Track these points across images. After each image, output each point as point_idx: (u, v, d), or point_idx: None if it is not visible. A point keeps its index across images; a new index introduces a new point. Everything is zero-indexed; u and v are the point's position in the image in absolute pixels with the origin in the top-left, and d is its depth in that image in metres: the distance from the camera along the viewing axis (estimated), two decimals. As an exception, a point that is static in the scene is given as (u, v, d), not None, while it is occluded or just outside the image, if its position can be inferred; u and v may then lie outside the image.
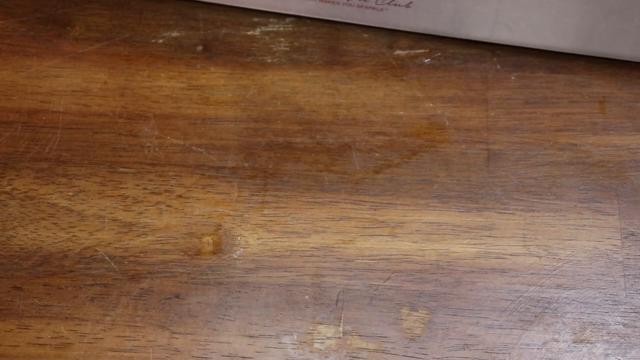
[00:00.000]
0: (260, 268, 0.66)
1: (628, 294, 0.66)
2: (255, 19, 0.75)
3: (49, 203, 0.68)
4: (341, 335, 0.65)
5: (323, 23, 0.74)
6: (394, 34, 0.74)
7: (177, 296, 0.65)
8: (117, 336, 0.64)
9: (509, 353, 0.64)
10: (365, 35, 0.74)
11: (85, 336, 0.64)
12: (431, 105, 0.71)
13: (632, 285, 0.66)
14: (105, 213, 0.68)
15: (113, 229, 0.67)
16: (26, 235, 0.67)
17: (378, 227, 0.68)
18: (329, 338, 0.65)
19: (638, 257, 0.67)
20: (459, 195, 0.69)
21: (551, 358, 0.64)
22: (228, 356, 0.64)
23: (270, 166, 0.69)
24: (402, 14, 0.71)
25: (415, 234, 0.67)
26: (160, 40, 0.74)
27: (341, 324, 0.65)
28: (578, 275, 0.66)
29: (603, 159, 0.70)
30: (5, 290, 0.65)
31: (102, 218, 0.68)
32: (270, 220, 0.68)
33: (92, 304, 0.65)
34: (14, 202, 0.68)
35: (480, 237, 0.67)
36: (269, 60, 0.73)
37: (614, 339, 0.64)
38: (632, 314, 0.65)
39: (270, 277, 0.66)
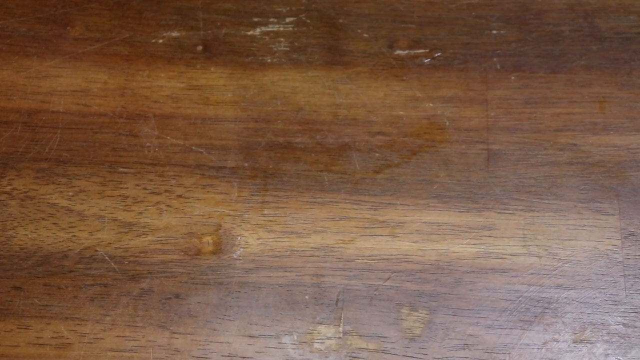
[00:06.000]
0: (260, 268, 0.66)
1: (628, 294, 0.66)
2: (255, 19, 0.75)
3: (49, 203, 0.68)
4: (341, 335, 0.65)
5: (323, 23, 0.74)
6: (394, 34, 0.74)
7: (177, 296, 0.65)
8: (117, 336, 0.64)
9: (509, 353, 0.64)
10: (365, 35, 0.74)
11: (85, 336, 0.64)
12: (431, 105, 0.71)
13: (632, 285, 0.66)
14: (105, 213, 0.68)
15: (113, 229, 0.67)
16: (26, 235, 0.67)
17: (378, 227, 0.68)
18: (329, 338, 0.65)
19: (638, 257, 0.67)
20: (459, 195, 0.68)
21: (551, 358, 0.64)
22: (228, 356, 0.64)
23: (270, 166, 0.69)
24: None
25: (415, 234, 0.67)
26: (160, 40, 0.74)
27: (341, 324, 0.65)
28: (578, 275, 0.66)
29: (603, 159, 0.70)
30: (5, 290, 0.65)
31: (102, 218, 0.68)
32: (270, 220, 0.68)
33: (92, 304, 0.65)
34: (14, 202, 0.68)
35: (480, 237, 0.67)
36: (269, 60, 0.73)
37: (614, 339, 0.64)
38: (632, 314, 0.65)
39: (270, 277, 0.66)
